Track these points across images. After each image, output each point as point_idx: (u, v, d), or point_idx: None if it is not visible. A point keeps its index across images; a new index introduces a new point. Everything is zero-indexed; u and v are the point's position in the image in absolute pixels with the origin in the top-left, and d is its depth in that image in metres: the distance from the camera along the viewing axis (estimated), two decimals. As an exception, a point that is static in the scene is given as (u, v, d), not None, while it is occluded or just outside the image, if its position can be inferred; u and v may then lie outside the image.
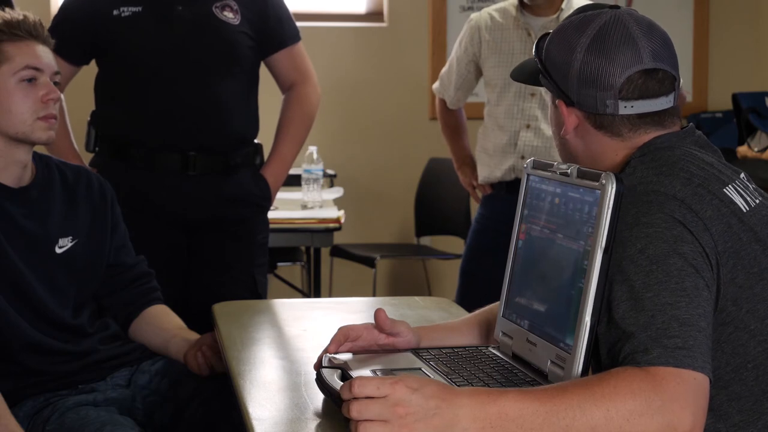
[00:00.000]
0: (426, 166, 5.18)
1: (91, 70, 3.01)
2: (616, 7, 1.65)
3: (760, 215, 1.53)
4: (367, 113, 5.33)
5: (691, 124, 1.65)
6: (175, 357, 2.32)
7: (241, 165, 2.97)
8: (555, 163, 1.61)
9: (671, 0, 5.48)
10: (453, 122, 3.75)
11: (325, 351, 1.72)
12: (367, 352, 1.74)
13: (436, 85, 3.74)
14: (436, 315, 2.28)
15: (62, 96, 2.52)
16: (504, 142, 3.45)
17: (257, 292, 2.99)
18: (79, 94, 3.24)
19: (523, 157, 3.38)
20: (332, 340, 1.72)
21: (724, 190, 1.51)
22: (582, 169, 1.54)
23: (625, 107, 1.58)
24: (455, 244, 5.13)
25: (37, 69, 2.24)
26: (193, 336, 2.34)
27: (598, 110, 1.59)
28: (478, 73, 3.57)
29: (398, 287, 5.44)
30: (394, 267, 5.46)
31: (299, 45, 3.06)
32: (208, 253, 2.97)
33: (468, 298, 3.32)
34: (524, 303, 1.64)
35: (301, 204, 4.05)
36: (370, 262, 4.88)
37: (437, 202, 5.11)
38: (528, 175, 1.68)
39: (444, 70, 3.70)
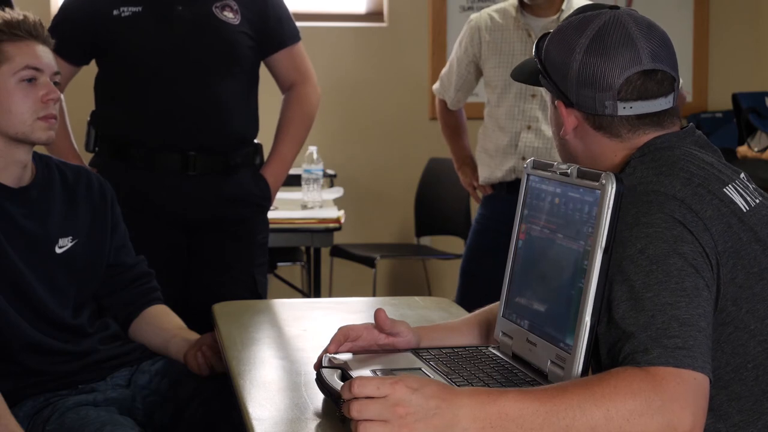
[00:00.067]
0: (426, 166, 5.18)
1: (91, 70, 3.01)
2: (616, 7, 1.65)
3: (760, 215, 1.53)
4: (367, 113, 5.34)
5: (691, 124, 1.65)
6: (175, 357, 2.32)
7: (241, 165, 2.97)
8: (555, 163, 1.61)
9: (671, 0, 5.48)
10: (453, 123, 3.75)
11: (325, 351, 1.72)
12: (367, 352, 1.74)
13: (436, 86, 3.74)
14: (436, 315, 2.28)
15: (62, 96, 2.52)
16: (505, 143, 3.45)
17: (257, 292, 2.99)
18: (79, 94, 3.24)
19: (524, 158, 3.38)
20: (332, 340, 1.72)
21: (724, 189, 1.51)
22: (582, 169, 1.54)
23: (624, 108, 1.58)
24: (455, 244, 5.13)
25: (37, 69, 2.24)
26: (193, 336, 2.34)
27: (597, 111, 1.59)
28: (479, 73, 3.57)
29: (398, 287, 5.44)
30: (394, 267, 5.46)
31: (299, 45, 3.06)
32: (208, 253, 2.97)
33: (468, 299, 3.31)
34: (524, 303, 1.64)
35: (301, 204, 4.05)
36: (370, 262, 4.88)
37: (437, 202, 5.11)
38: (528, 175, 1.68)
39: (444, 71, 3.70)
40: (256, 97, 3.03)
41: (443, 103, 3.73)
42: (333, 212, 3.92)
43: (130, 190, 2.84)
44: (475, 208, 3.85)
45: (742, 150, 4.78)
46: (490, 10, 3.53)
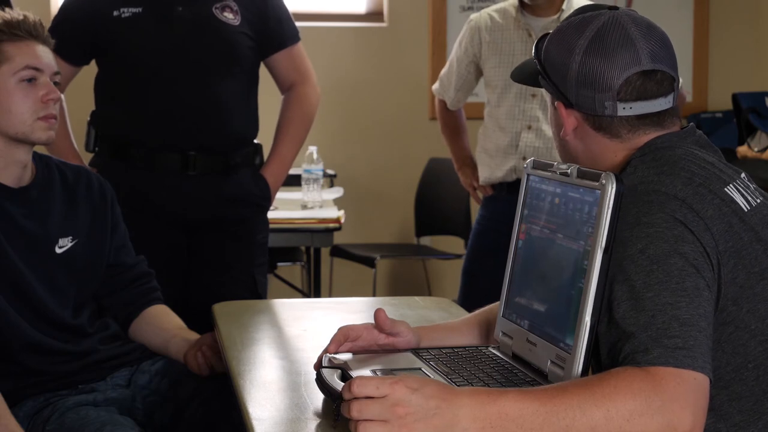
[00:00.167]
0: (426, 166, 5.18)
1: (91, 70, 3.01)
2: (615, 8, 1.65)
3: (761, 215, 1.53)
4: (367, 113, 5.34)
5: (691, 124, 1.65)
6: (175, 357, 2.32)
7: (241, 165, 2.97)
8: (555, 163, 1.61)
9: (671, 0, 5.48)
10: (453, 123, 3.75)
11: (325, 351, 1.72)
12: (367, 352, 1.74)
13: (435, 86, 3.74)
14: (436, 315, 2.28)
15: (62, 96, 2.52)
16: (505, 143, 3.45)
17: (257, 292, 2.99)
18: (79, 94, 3.23)
19: (524, 158, 3.37)
20: (332, 340, 1.72)
21: (725, 189, 1.51)
22: (582, 169, 1.54)
23: (624, 109, 1.58)
24: (455, 244, 5.13)
25: (37, 69, 2.24)
26: (193, 336, 2.34)
27: (597, 112, 1.59)
28: (479, 73, 3.57)
29: (398, 287, 5.45)
30: (394, 267, 5.46)
31: (299, 45, 3.06)
32: (208, 253, 2.97)
33: (470, 299, 3.31)
34: (524, 303, 1.64)
35: (301, 204, 4.05)
36: (370, 262, 4.88)
37: (437, 202, 5.11)
38: (528, 175, 1.68)
39: (444, 71, 3.69)
40: (256, 97, 3.03)
41: (443, 103, 3.72)
42: (333, 212, 3.92)
43: (130, 190, 2.84)
44: (475, 208, 3.85)
45: (742, 150, 4.78)
46: (490, 10, 3.52)
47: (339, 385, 1.53)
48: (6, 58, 2.21)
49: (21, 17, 2.24)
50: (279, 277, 4.91)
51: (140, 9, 2.86)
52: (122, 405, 2.25)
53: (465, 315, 1.97)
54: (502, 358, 1.69)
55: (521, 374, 1.60)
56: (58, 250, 2.28)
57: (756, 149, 4.73)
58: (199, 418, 2.19)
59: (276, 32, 3.00)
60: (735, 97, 4.90)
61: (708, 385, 1.36)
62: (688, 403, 1.32)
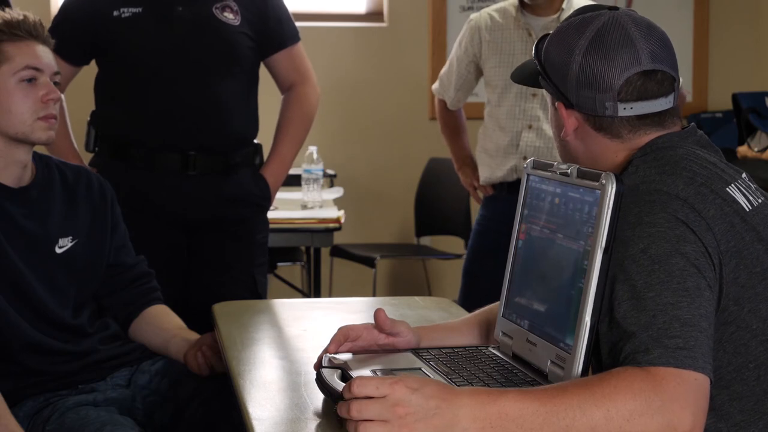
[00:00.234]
0: (426, 166, 5.18)
1: (91, 70, 3.01)
2: (615, 8, 1.65)
3: (762, 215, 1.53)
4: (367, 113, 5.34)
5: (692, 124, 1.65)
6: (175, 357, 2.32)
7: (240, 165, 2.97)
8: (555, 163, 1.61)
9: (671, 0, 5.48)
10: (453, 123, 3.75)
11: (325, 351, 1.72)
12: (367, 352, 1.74)
13: (435, 86, 3.74)
14: (436, 315, 2.27)
15: (62, 96, 2.52)
16: (506, 142, 3.45)
17: (257, 292, 2.99)
18: (79, 94, 3.24)
19: (525, 158, 3.37)
20: (332, 340, 1.72)
21: (727, 189, 1.51)
22: (582, 169, 1.54)
23: (624, 109, 1.58)
24: (455, 244, 5.13)
25: (37, 69, 2.24)
26: (193, 336, 2.34)
27: (598, 112, 1.59)
28: (479, 73, 3.57)
29: (398, 287, 5.44)
30: (394, 267, 5.46)
31: (299, 45, 3.06)
32: (208, 253, 2.97)
33: (470, 299, 3.31)
34: (524, 303, 1.64)
35: (301, 204, 4.05)
36: (370, 262, 4.88)
37: (437, 202, 5.11)
38: (528, 175, 1.68)
39: (443, 70, 3.69)
40: (256, 97, 3.03)
41: (443, 103, 3.72)
42: (333, 212, 3.92)
43: (130, 190, 2.84)
44: (475, 208, 3.84)
45: (742, 150, 4.78)
46: (490, 9, 3.52)
47: (339, 385, 1.53)
48: (6, 58, 2.21)
49: (21, 17, 2.24)
50: (279, 277, 4.91)
51: (140, 9, 2.86)
52: (122, 405, 2.25)
53: (465, 315, 1.97)
54: (502, 358, 1.69)
55: (521, 374, 1.60)
56: (58, 250, 2.28)
57: (756, 149, 4.73)
58: (199, 418, 2.19)
59: (276, 32, 3.00)
60: (735, 97, 4.90)
61: (708, 385, 1.36)
62: (688, 404, 1.32)
